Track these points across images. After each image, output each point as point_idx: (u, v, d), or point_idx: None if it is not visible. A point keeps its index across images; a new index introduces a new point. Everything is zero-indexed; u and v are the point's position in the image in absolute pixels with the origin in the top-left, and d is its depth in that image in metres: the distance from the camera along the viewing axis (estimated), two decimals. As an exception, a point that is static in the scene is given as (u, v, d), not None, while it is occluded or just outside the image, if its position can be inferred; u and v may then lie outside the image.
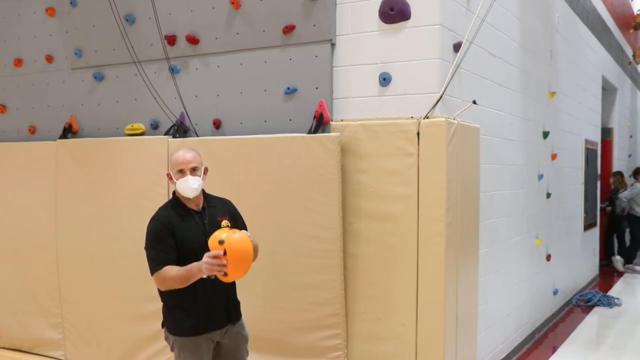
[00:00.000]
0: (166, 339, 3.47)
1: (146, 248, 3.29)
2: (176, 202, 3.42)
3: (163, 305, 3.46)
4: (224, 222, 3.43)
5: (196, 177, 3.37)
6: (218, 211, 3.47)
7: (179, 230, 3.30)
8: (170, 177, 3.42)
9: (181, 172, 3.36)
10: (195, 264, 3.12)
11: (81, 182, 5.32)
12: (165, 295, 3.39)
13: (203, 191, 3.49)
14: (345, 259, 4.23)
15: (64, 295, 5.47)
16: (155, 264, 3.23)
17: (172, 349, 3.45)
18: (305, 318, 4.29)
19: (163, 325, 3.46)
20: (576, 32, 8.00)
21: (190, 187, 3.35)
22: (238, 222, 3.54)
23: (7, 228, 5.84)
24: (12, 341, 5.84)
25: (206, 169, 3.50)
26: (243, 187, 4.50)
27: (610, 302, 8.03)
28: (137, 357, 5.02)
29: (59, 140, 5.50)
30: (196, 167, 3.39)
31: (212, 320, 3.37)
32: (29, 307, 5.68)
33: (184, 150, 3.44)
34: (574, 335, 6.68)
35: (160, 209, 3.43)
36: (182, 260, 3.25)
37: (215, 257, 3.03)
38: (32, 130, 5.88)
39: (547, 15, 6.63)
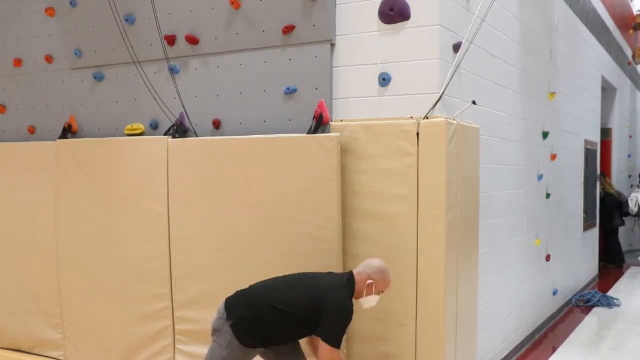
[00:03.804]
0: (220, 329, 3.59)
1: (337, 326, 3.50)
2: (351, 296, 3.62)
3: (243, 315, 3.56)
4: None
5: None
6: None
7: None
8: (372, 288, 3.61)
9: (382, 292, 3.68)
10: None
11: (81, 182, 5.32)
12: (257, 319, 3.55)
13: None
14: (345, 259, 4.23)
15: (64, 295, 5.47)
16: (339, 344, 3.49)
17: (219, 336, 3.59)
18: (305, 318, 4.28)
19: (229, 319, 3.56)
20: (576, 32, 8.01)
21: (372, 306, 3.70)
22: None
23: (7, 228, 5.84)
24: (12, 341, 5.84)
25: None
26: (243, 187, 4.50)
27: (609, 303, 8.03)
28: (137, 357, 5.02)
29: (59, 140, 5.50)
30: None
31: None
32: (29, 307, 5.68)
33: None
34: (573, 335, 6.68)
35: (347, 296, 3.58)
36: None
37: None
38: (32, 131, 5.88)
39: (547, 16, 6.64)
